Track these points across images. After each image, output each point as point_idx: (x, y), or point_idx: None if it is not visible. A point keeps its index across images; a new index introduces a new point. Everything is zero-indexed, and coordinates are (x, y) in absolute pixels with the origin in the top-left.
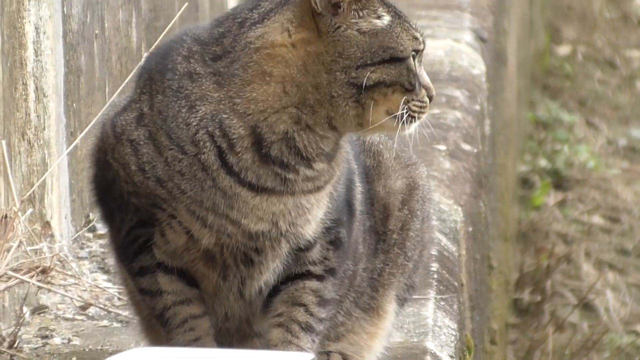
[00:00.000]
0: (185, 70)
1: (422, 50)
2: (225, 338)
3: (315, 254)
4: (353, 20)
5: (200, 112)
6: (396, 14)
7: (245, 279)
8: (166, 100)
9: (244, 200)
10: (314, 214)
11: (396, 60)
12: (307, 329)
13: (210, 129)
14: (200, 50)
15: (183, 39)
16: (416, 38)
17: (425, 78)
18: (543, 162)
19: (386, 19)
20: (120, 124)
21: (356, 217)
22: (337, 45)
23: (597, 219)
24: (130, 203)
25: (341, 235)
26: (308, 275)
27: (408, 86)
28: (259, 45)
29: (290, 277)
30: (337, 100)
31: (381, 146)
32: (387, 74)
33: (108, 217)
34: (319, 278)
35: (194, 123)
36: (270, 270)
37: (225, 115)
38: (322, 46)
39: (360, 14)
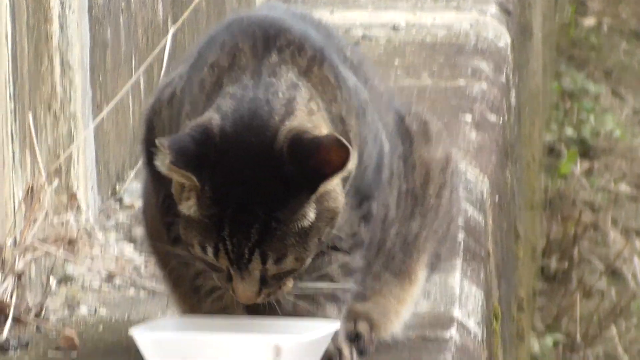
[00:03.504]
0: None
1: None
2: (254, 307)
3: (343, 233)
4: None
5: None
6: None
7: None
8: None
9: None
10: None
11: None
12: (333, 299)
13: None
14: None
15: None
16: None
17: None
18: (569, 132)
19: None
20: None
21: (387, 185)
22: None
23: (623, 187)
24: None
25: (372, 209)
26: (335, 249)
27: None
28: None
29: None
30: None
31: (428, 117)
32: None
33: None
34: (347, 252)
35: None
36: None
37: None
38: None
39: None
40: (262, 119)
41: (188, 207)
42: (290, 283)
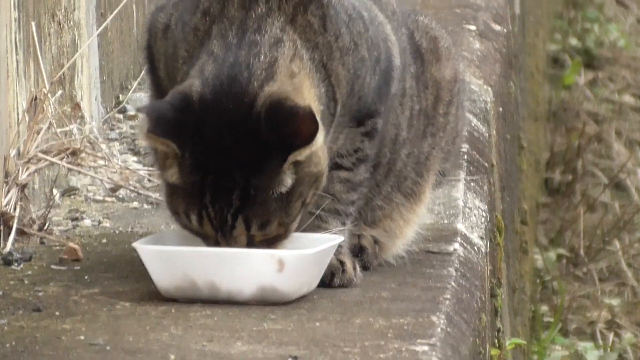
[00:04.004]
0: None
1: None
2: None
3: (345, 150)
4: None
5: None
6: None
7: None
8: None
9: None
10: None
11: None
12: (336, 213)
13: None
14: None
15: None
16: None
17: None
18: (573, 41)
19: None
20: None
21: (398, 106)
22: None
23: (627, 98)
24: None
25: (377, 126)
26: (337, 166)
27: None
28: None
29: None
30: None
31: (437, 32)
32: None
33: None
34: (349, 168)
35: None
36: None
37: None
38: None
39: None
40: (241, 85)
41: (171, 175)
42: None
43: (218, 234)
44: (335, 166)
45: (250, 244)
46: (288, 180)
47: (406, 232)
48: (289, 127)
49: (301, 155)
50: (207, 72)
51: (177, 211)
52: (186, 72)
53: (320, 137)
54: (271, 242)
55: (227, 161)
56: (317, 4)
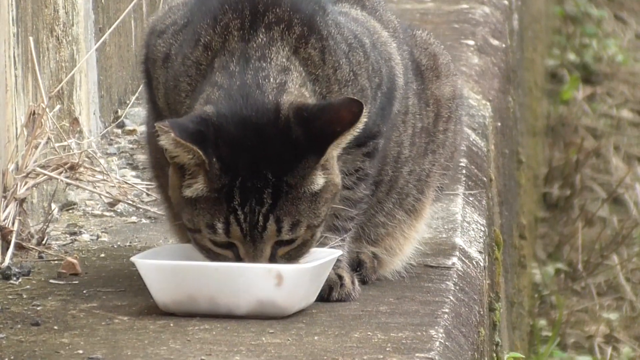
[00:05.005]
0: None
1: None
2: None
3: (345, 169)
4: None
5: None
6: None
7: None
8: None
9: None
10: None
11: None
12: (335, 229)
13: None
14: None
15: None
16: None
17: None
18: (572, 57)
19: None
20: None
21: (401, 124)
22: None
23: (625, 113)
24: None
25: (378, 146)
26: None
27: None
28: None
29: None
30: None
31: (437, 49)
32: None
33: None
34: (350, 187)
35: None
36: None
37: None
38: None
39: None
40: (256, 99)
41: (194, 189)
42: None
43: (246, 238)
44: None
45: (273, 259)
46: (320, 180)
47: (406, 249)
48: (324, 117)
49: (346, 138)
50: (215, 97)
51: (199, 227)
52: (190, 105)
53: (363, 119)
54: (293, 255)
55: (257, 163)
56: (317, 36)
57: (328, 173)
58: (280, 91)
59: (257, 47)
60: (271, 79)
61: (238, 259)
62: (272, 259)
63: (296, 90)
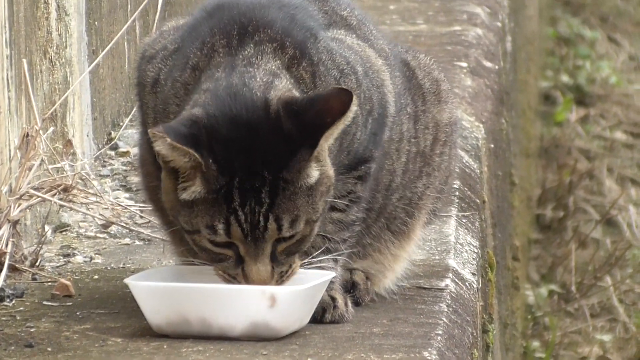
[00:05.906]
0: None
1: None
2: None
3: (337, 192)
4: None
5: None
6: None
7: None
8: None
9: None
10: None
11: None
12: (327, 251)
13: None
14: None
15: None
16: None
17: None
18: (565, 78)
19: None
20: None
21: (394, 152)
22: None
23: (619, 135)
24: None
25: (370, 170)
26: (330, 207)
27: None
28: None
29: None
30: None
31: (439, 75)
32: None
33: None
34: (342, 209)
35: None
36: None
37: None
38: None
39: None
40: (245, 96)
41: (191, 192)
42: (298, 262)
43: (247, 239)
44: (329, 208)
45: (274, 257)
46: (314, 172)
47: (395, 266)
48: (315, 109)
49: (337, 128)
50: (202, 100)
51: (198, 229)
52: None
53: (354, 106)
54: (293, 249)
55: (252, 161)
56: (309, 61)
57: (321, 165)
58: (267, 88)
59: (244, 58)
60: (258, 79)
61: (238, 257)
62: (273, 256)
63: (284, 88)
